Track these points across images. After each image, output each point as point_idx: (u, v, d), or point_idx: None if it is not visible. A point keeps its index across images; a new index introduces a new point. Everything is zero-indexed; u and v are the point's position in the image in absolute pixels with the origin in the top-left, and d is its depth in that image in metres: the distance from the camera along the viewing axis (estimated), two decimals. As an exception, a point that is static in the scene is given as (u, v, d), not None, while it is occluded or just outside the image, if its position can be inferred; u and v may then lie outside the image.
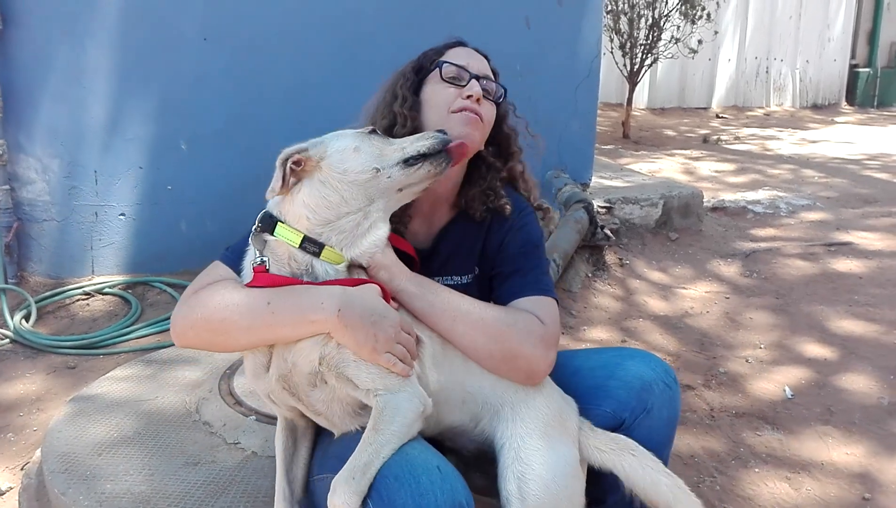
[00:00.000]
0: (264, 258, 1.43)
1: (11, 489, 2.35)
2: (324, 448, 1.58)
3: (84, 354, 3.29)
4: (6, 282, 3.71)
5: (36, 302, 3.60)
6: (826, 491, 2.48)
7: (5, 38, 3.62)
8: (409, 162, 1.47)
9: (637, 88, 9.73)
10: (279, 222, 1.44)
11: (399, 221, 1.67)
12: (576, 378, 1.71)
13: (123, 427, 2.20)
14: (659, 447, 1.62)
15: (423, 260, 1.73)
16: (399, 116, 1.70)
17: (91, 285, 3.85)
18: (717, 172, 7.74)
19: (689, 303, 4.21)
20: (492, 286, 1.75)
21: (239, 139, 4.05)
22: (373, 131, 1.52)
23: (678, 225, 5.23)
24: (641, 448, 1.57)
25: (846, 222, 5.76)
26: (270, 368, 1.44)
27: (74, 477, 1.94)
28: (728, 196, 6.45)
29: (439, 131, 1.54)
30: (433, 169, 1.49)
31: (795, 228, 5.68)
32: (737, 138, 10.16)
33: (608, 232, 4.54)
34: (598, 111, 10.86)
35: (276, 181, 1.42)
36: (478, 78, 1.68)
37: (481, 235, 1.76)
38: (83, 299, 3.78)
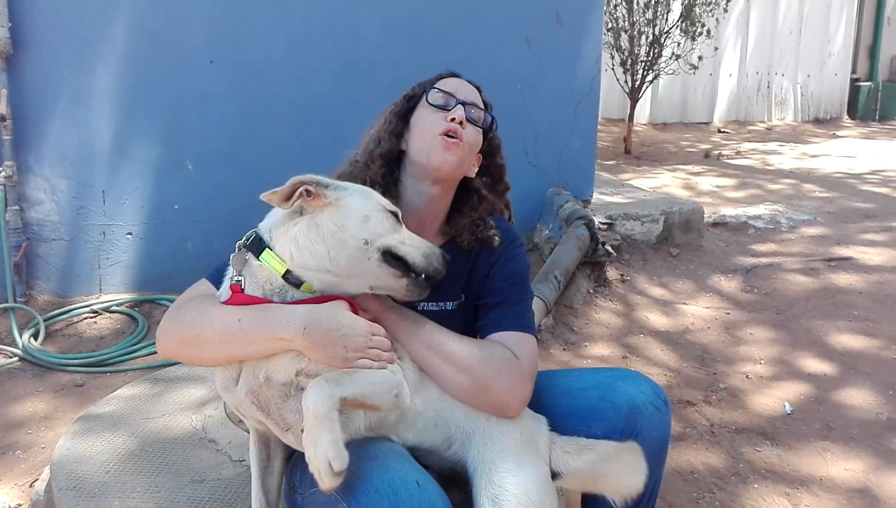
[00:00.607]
0: (240, 278, 1.45)
1: (20, 506, 2.39)
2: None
3: (92, 372, 3.34)
4: (15, 301, 3.77)
5: (44, 320, 3.65)
6: (824, 507, 2.50)
7: (16, 62, 3.70)
8: (387, 257, 1.46)
9: (638, 104, 9.80)
10: (267, 248, 1.44)
11: None
12: (567, 398, 1.74)
13: (130, 445, 2.24)
14: (649, 469, 1.64)
15: None
16: (382, 140, 1.77)
17: (98, 303, 3.91)
18: (717, 187, 7.79)
19: (689, 319, 4.24)
20: (476, 315, 1.79)
21: (244, 159, 4.12)
22: (395, 213, 1.52)
23: (679, 241, 5.28)
24: (601, 441, 1.61)
25: (846, 237, 5.79)
26: (239, 382, 1.46)
27: (83, 494, 1.98)
28: (729, 211, 6.49)
29: (438, 258, 1.55)
30: (405, 289, 1.50)
31: (796, 242, 5.71)
32: (738, 153, 10.21)
33: (609, 248, 4.59)
34: (600, 127, 10.95)
35: (280, 191, 1.42)
36: (464, 104, 1.73)
37: (469, 263, 1.79)
38: (91, 318, 3.83)
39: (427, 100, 1.75)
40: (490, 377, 1.56)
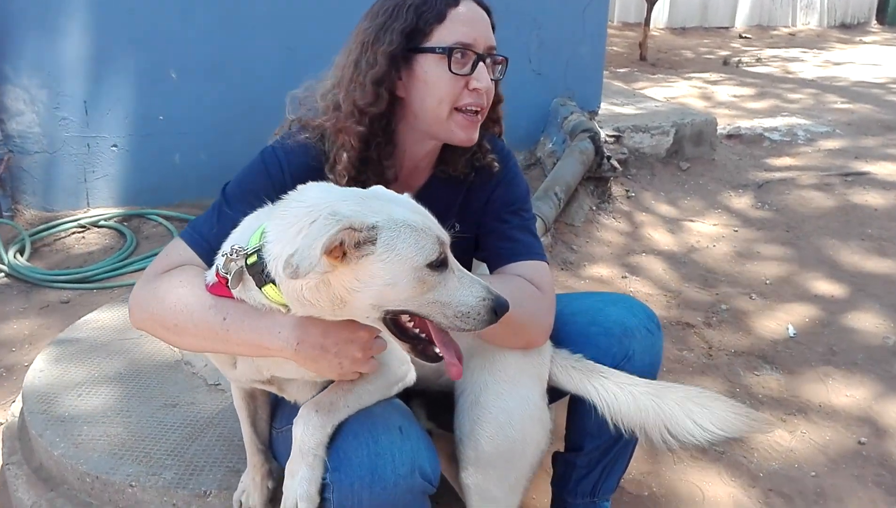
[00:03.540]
0: (228, 275, 1.22)
1: (1, 424, 2.36)
2: (286, 403, 1.53)
3: (78, 288, 3.27)
4: (0, 216, 3.68)
5: (30, 236, 3.57)
6: (822, 435, 2.43)
7: (-17, -38, 3.47)
8: (401, 331, 1.21)
9: (657, 7, 9.32)
10: (271, 283, 1.17)
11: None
12: (556, 324, 1.64)
13: (105, 368, 2.18)
14: None
15: None
16: (369, 93, 1.44)
17: (86, 217, 3.81)
18: (735, 96, 7.47)
19: (695, 237, 4.10)
20: (477, 245, 1.66)
21: (229, 70, 3.93)
22: (443, 261, 1.16)
23: (690, 154, 5.07)
24: (614, 369, 1.54)
25: (865, 151, 5.54)
26: (238, 367, 1.37)
27: (52, 419, 1.93)
28: (744, 123, 6.22)
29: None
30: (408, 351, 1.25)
31: (812, 156, 5.48)
32: (758, 60, 9.77)
33: (615, 163, 4.40)
34: (614, 32, 10.48)
35: (322, 241, 1.07)
36: (485, 59, 1.46)
37: (461, 190, 1.64)
38: (78, 232, 3.74)
39: (450, 68, 1.43)
40: (521, 318, 1.44)
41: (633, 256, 3.83)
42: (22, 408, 2.07)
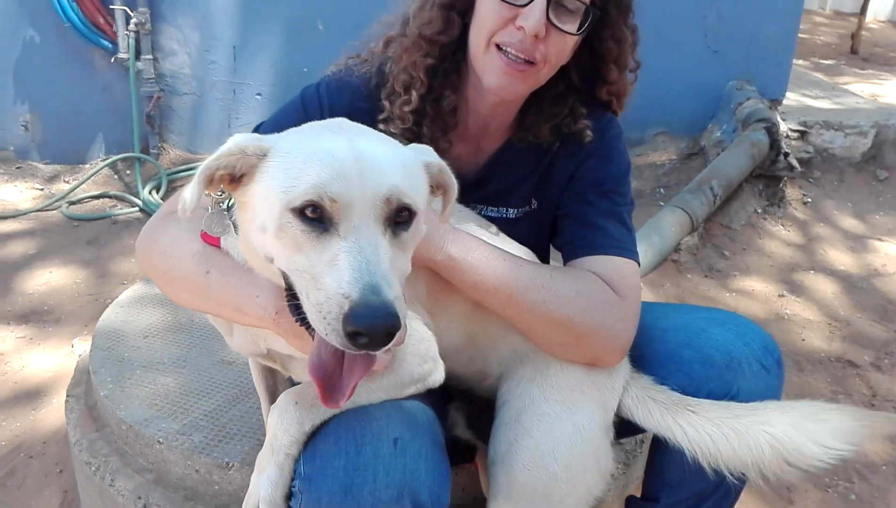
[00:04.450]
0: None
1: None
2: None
3: (201, 231, 3.30)
4: (148, 153, 3.81)
5: (167, 175, 3.66)
6: None
7: None
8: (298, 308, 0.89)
9: (879, -4, 8.13)
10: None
11: (434, 146, 1.31)
12: (643, 338, 1.30)
13: (181, 315, 2.11)
14: None
15: (465, 190, 1.36)
16: (434, 20, 1.24)
17: (224, 163, 3.87)
18: (963, 103, 6.31)
19: (882, 260, 3.44)
20: (555, 229, 1.37)
21: (377, 22, 3.79)
22: (320, 218, 0.86)
23: (891, 162, 4.31)
24: (706, 401, 1.18)
25: None
26: (235, 336, 1.17)
27: (111, 357, 1.88)
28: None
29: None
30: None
31: None
32: None
33: (793, 161, 3.80)
34: (825, 20, 9.32)
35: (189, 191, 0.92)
36: None
37: (544, 161, 1.36)
38: (214, 177, 3.80)
39: None
40: (587, 325, 1.17)
41: (799, 272, 3.27)
42: (91, 342, 2.04)
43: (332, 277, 0.81)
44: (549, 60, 1.21)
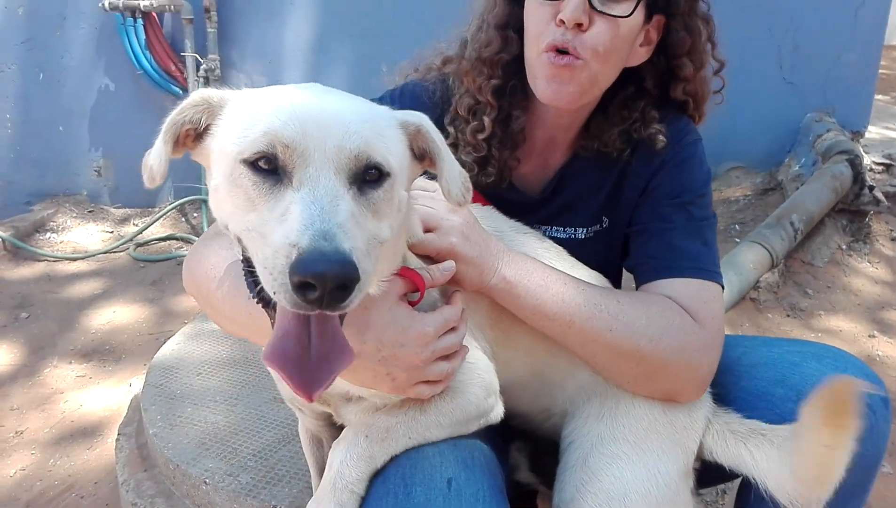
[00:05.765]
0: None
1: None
2: None
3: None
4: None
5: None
6: None
7: (221, -45, 3.68)
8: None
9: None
10: None
11: (503, 165, 1.24)
12: (729, 376, 1.17)
13: (235, 351, 2.07)
14: (845, 496, 1.04)
15: (531, 209, 1.27)
16: (492, 41, 1.22)
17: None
18: None
19: (984, 299, 3.14)
20: (626, 248, 1.26)
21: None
22: (274, 170, 0.78)
23: None
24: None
25: None
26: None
27: (163, 394, 1.84)
28: None
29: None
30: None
31: None
32: None
33: (879, 195, 3.56)
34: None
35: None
36: None
37: (613, 174, 1.26)
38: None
39: None
40: (661, 355, 1.05)
41: (890, 311, 3.02)
42: (144, 379, 2.01)
43: (281, 229, 0.71)
44: (598, 53, 1.11)
